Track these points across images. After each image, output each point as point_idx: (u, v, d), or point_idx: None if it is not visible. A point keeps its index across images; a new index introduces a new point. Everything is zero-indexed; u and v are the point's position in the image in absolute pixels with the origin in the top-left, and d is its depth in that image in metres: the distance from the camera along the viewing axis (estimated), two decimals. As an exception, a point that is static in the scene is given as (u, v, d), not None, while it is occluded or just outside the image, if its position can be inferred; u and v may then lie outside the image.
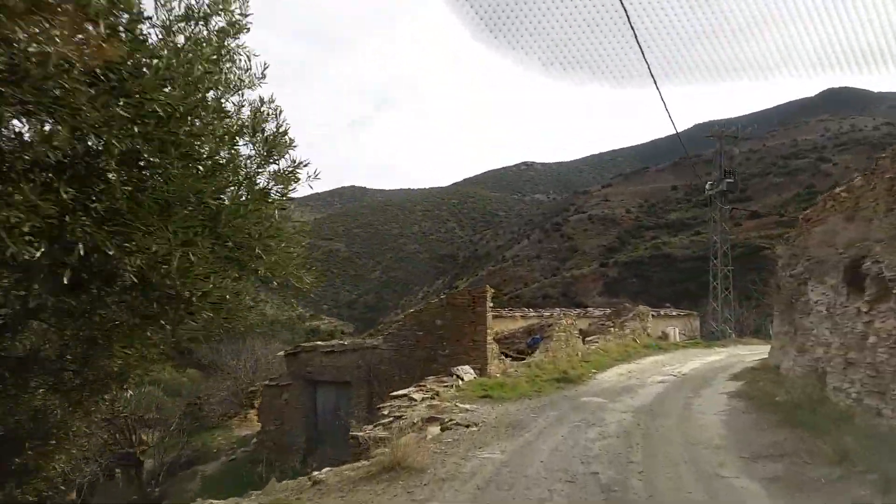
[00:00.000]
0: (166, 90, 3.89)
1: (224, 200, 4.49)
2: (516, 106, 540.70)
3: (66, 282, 3.65)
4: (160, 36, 4.21)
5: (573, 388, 12.55)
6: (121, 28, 3.73)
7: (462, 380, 12.23)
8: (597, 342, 19.13)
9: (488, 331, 13.71)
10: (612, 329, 21.63)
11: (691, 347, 23.60)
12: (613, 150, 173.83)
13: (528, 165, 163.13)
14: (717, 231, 36.55)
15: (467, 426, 8.84)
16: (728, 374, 14.45)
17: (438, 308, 14.36)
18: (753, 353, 19.11)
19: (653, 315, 27.02)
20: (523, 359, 15.23)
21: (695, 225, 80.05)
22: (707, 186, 39.31)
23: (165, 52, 4.07)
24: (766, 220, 70.22)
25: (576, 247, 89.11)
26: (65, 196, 3.51)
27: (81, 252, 3.57)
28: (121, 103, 3.61)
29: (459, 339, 13.77)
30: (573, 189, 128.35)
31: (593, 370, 14.94)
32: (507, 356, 15.19)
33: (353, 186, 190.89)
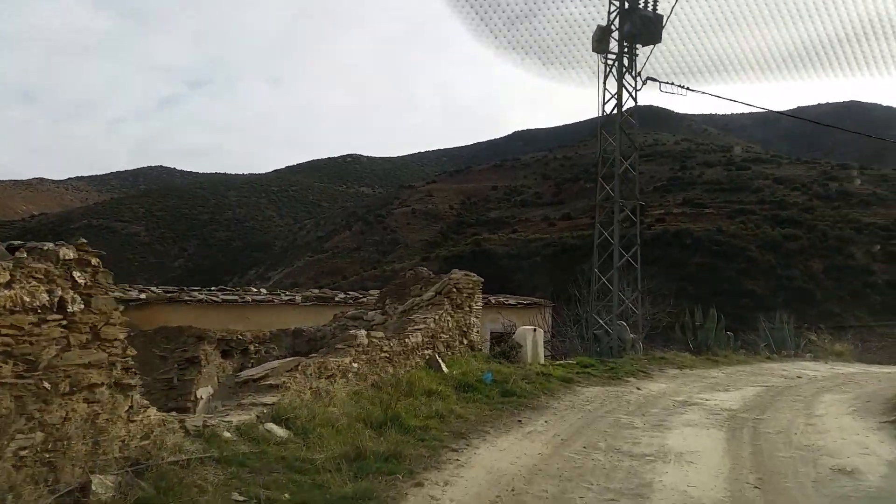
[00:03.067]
0: None
1: None
2: (344, 98, 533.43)
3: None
4: None
5: None
6: None
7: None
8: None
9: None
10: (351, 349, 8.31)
11: (585, 381, 11.34)
12: (439, 150, 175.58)
13: (353, 158, 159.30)
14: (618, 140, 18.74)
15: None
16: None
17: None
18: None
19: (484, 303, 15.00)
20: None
21: (512, 223, 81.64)
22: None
23: None
24: (577, 221, 72.93)
25: (398, 240, 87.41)
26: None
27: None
28: None
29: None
30: (398, 183, 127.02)
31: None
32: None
33: (160, 167, 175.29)
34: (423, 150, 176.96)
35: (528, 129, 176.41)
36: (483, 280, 13.02)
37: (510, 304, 19.51)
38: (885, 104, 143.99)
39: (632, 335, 15.76)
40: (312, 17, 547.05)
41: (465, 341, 12.02)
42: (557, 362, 13.13)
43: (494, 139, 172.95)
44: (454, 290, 11.74)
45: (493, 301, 18.26)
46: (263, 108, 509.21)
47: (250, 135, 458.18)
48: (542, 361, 12.45)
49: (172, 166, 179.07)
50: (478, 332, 12.82)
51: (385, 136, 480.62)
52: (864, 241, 56.15)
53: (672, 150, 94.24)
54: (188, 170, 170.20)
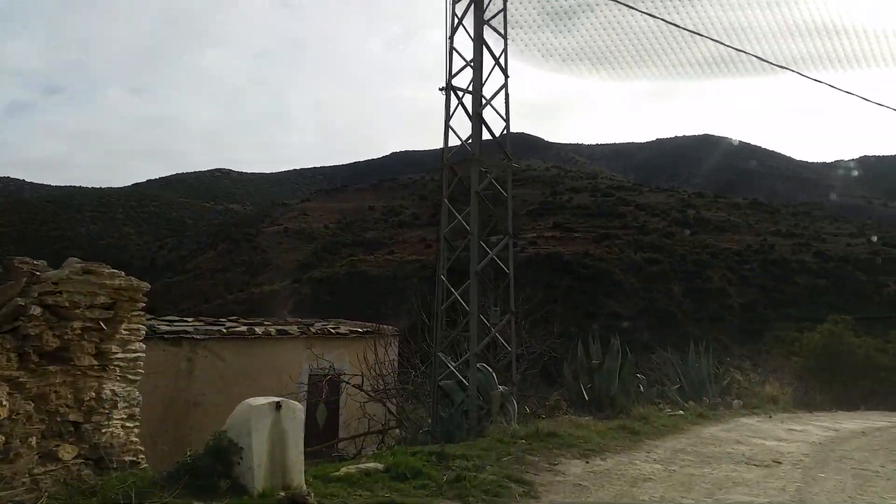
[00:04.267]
0: None
1: None
2: (212, 111, 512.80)
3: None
4: None
5: None
6: None
7: None
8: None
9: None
10: None
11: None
12: (315, 168, 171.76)
13: (223, 172, 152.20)
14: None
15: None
16: None
17: None
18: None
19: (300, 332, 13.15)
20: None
21: (390, 244, 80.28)
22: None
23: None
24: (454, 243, 72.72)
25: (269, 260, 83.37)
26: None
27: None
28: None
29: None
30: (271, 200, 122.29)
31: None
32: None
33: (7, 178, 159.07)
34: (298, 168, 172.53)
35: (407, 151, 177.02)
36: (149, 286, 6.21)
37: (340, 335, 13.99)
38: (735, 138, 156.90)
39: (501, 388, 9.37)
40: (179, 26, 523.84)
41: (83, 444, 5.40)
42: (346, 466, 6.12)
43: (372, 159, 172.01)
44: (50, 310, 5.32)
45: (312, 330, 13.71)
46: (123, 118, 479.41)
47: (108, 146, 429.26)
48: (297, 476, 5.04)
49: (21, 178, 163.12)
50: (129, 406, 5.88)
51: (258, 153, 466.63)
52: (719, 265, 59.57)
53: (543, 176, 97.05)
54: (38, 182, 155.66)
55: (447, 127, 9.94)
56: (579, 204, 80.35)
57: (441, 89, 9.60)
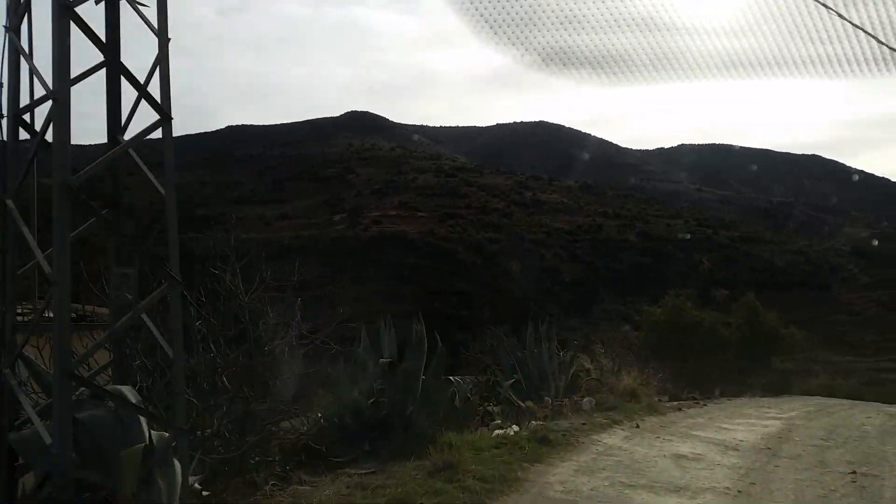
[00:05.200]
0: None
1: None
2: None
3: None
4: None
5: None
6: None
7: None
8: None
9: None
10: None
11: None
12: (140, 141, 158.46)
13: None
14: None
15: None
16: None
17: None
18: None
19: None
20: None
21: (224, 222, 75.97)
22: None
23: None
24: (296, 221, 70.36)
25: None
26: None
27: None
28: None
29: None
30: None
31: None
32: None
33: None
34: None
35: (244, 125, 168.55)
36: None
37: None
38: (567, 125, 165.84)
39: (151, 437, 4.19)
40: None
41: None
42: None
43: (205, 132, 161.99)
44: None
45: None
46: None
47: None
48: None
49: None
50: None
51: (78, 122, 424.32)
52: (553, 244, 62.43)
53: (388, 156, 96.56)
54: None
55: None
56: (424, 184, 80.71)
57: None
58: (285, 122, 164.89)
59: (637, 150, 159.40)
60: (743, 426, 9.47)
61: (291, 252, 60.97)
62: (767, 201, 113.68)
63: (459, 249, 59.65)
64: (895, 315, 55.41)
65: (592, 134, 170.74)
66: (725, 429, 9.18)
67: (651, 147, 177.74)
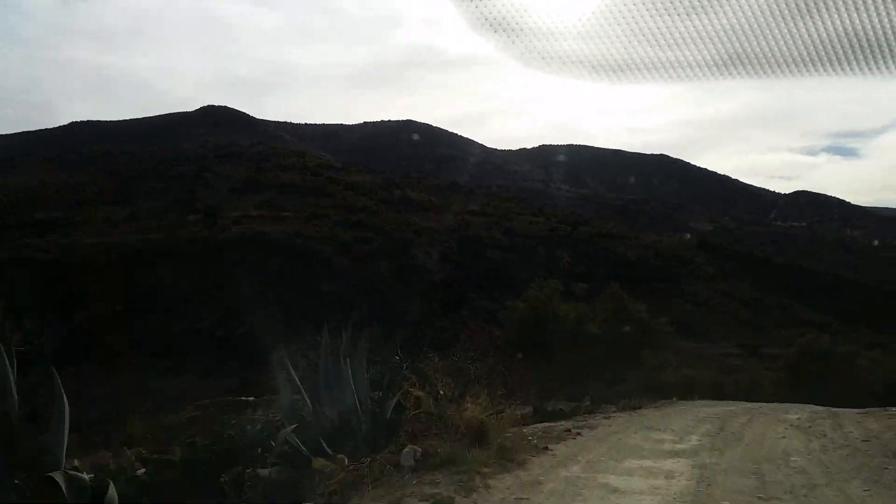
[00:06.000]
0: None
1: None
2: None
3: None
4: None
5: None
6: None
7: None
8: None
9: None
10: None
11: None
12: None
13: None
14: None
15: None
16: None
17: None
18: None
19: None
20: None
21: (66, 226, 69.25)
22: None
23: None
24: (145, 222, 65.41)
25: None
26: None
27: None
28: None
29: None
30: None
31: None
32: None
33: None
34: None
35: (89, 121, 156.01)
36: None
37: None
38: (434, 124, 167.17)
39: None
40: None
41: None
42: None
43: (46, 129, 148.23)
44: None
45: None
46: None
47: None
48: None
49: None
50: None
51: None
52: (422, 242, 62.15)
53: (248, 154, 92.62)
54: None
55: None
56: (288, 182, 77.87)
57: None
58: (136, 117, 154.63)
59: (502, 150, 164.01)
60: (639, 477, 6.27)
61: (141, 255, 56.56)
62: (620, 199, 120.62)
63: (327, 250, 57.90)
64: (736, 303, 60.33)
65: (460, 134, 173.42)
66: (616, 490, 5.76)
67: (514, 147, 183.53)
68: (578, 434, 8.31)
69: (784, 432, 8.44)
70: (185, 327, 44.62)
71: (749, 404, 12.13)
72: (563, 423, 9.43)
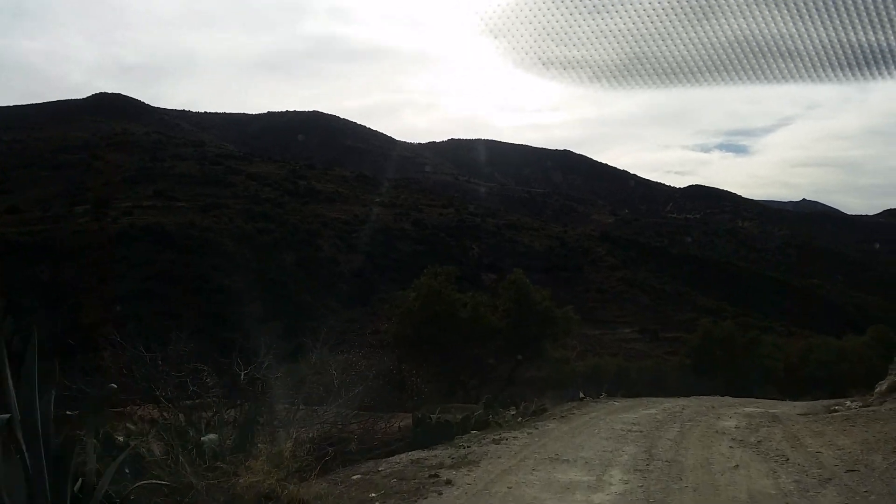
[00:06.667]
0: None
1: None
2: None
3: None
4: None
5: None
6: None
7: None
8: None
9: None
10: None
11: None
12: None
13: None
14: None
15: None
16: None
17: None
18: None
19: None
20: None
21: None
22: None
23: None
24: (27, 215, 60.45)
25: None
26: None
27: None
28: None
29: None
30: None
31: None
32: None
33: None
34: None
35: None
36: None
37: None
38: (342, 116, 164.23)
39: None
40: None
41: None
42: None
43: None
44: None
45: None
46: None
47: None
48: None
49: None
50: None
51: None
52: (329, 234, 60.55)
53: (142, 141, 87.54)
54: None
55: None
56: (184, 172, 74.04)
57: None
58: (19, 104, 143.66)
59: (410, 142, 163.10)
60: None
61: (21, 250, 52.06)
62: (526, 192, 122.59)
63: (226, 241, 55.30)
64: (636, 290, 62.27)
65: (367, 126, 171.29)
66: None
67: (424, 140, 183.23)
68: (448, 483, 5.75)
69: (732, 455, 6.63)
70: (45, 332, 41.15)
71: (668, 403, 10.69)
72: (437, 452, 7.08)
